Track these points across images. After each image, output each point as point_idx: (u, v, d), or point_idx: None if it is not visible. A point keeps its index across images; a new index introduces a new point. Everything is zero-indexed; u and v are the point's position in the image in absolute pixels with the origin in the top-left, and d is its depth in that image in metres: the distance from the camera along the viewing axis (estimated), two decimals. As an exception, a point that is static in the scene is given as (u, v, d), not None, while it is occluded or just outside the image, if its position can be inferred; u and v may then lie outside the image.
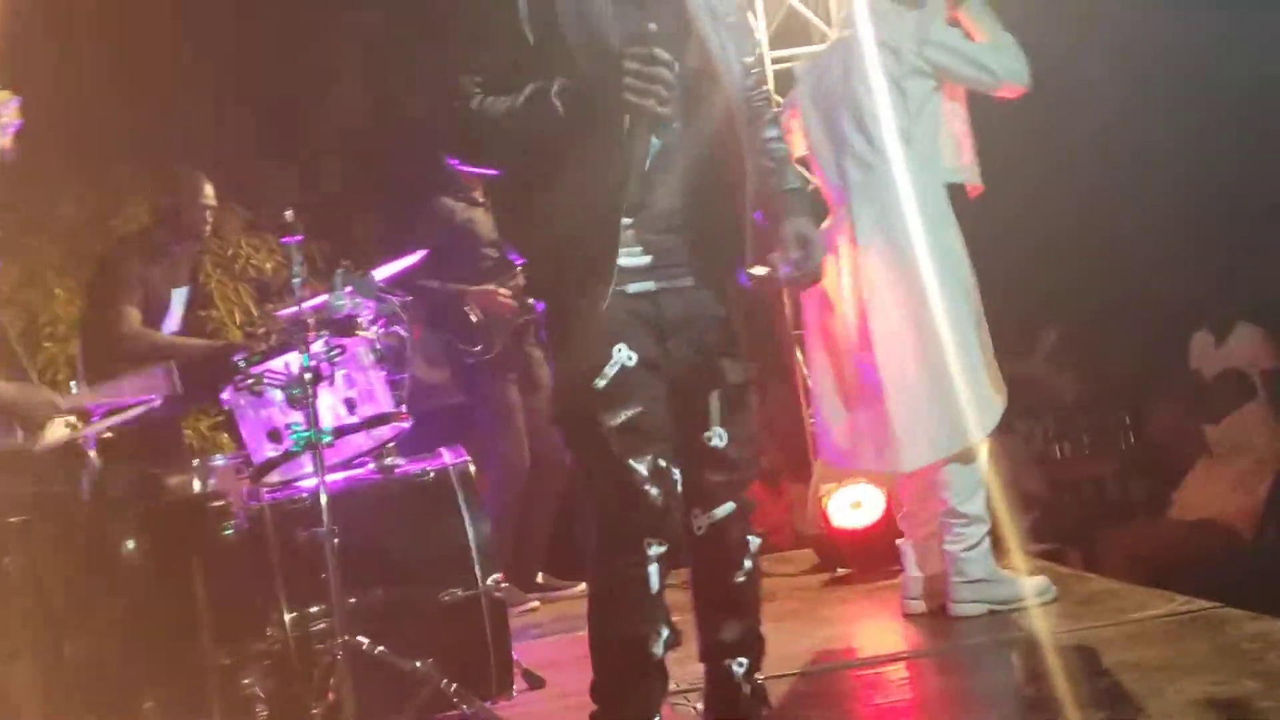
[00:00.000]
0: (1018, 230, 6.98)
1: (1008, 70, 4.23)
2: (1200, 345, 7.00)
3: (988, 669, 3.80)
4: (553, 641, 4.83)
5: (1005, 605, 4.14)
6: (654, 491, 2.75)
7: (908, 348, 4.12)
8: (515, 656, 4.39)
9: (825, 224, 4.29)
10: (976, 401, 4.15)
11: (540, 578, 5.92)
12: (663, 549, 2.77)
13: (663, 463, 2.78)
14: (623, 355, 2.75)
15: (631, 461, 2.72)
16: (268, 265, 7.30)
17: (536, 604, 5.64)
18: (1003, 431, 7.43)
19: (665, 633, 2.81)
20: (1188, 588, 5.47)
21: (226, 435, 6.55)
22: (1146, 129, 7.77)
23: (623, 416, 2.72)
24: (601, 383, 2.73)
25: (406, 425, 3.82)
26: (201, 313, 6.41)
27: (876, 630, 4.50)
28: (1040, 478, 7.52)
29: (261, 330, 7.08)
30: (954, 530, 4.19)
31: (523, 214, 2.82)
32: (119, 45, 6.76)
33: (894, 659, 3.91)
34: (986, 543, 4.22)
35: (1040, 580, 4.24)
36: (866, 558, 5.13)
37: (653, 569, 2.75)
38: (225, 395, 3.72)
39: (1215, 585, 5.78)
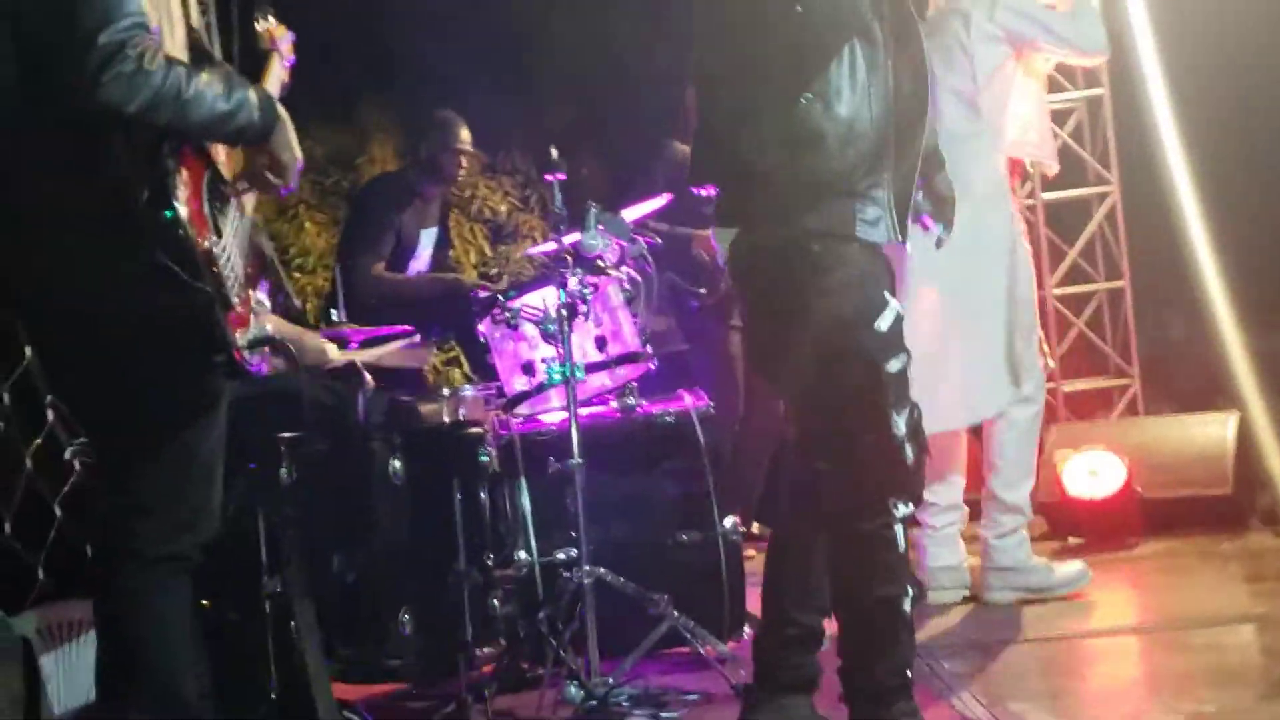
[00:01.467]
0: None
1: (1084, 37, 4.10)
2: None
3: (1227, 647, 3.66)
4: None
5: (1036, 592, 4.11)
6: (910, 449, 2.75)
7: (924, 318, 3.96)
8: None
9: None
10: (974, 384, 4.07)
11: (755, 528, 5.95)
12: (909, 510, 2.78)
13: (918, 416, 2.78)
14: (894, 303, 2.74)
15: (895, 414, 2.71)
16: (501, 207, 7.47)
17: (752, 553, 5.67)
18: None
19: (912, 590, 2.82)
20: None
21: (458, 371, 6.75)
22: None
23: (897, 364, 2.72)
24: (883, 326, 2.71)
25: (652, 365, 3.86)
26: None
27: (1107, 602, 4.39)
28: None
29: (494, 271, 7.30)
30: (991, 515, 4.15)
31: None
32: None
33: (1121, 631, 3.89)
34: (1022, 533, 4.17)
35: (1075, 565, 4.18)
36: (1101, 528, 4.99)
37: (899, 528, 2.76)
38: (482, 327, 3.83)
39: None
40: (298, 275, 6.81)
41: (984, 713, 3.13)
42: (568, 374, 3.53)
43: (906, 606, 2.79)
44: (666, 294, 5.88)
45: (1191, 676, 3.33)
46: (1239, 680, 3.26)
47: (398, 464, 3.47)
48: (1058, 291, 6.08)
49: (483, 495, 3.57)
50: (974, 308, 4.10)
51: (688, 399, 3.99)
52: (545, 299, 3.62)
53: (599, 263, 3.78)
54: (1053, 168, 4.71)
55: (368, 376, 3.64)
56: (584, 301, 3.59)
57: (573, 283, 3.58)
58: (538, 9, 7.29)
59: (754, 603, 4.41)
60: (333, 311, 4.25)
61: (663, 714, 3.40)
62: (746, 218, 2.83)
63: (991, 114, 4.09)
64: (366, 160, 7.27)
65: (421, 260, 5.44)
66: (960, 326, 4.10)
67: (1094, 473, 5.07)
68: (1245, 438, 5.13)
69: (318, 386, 3.40)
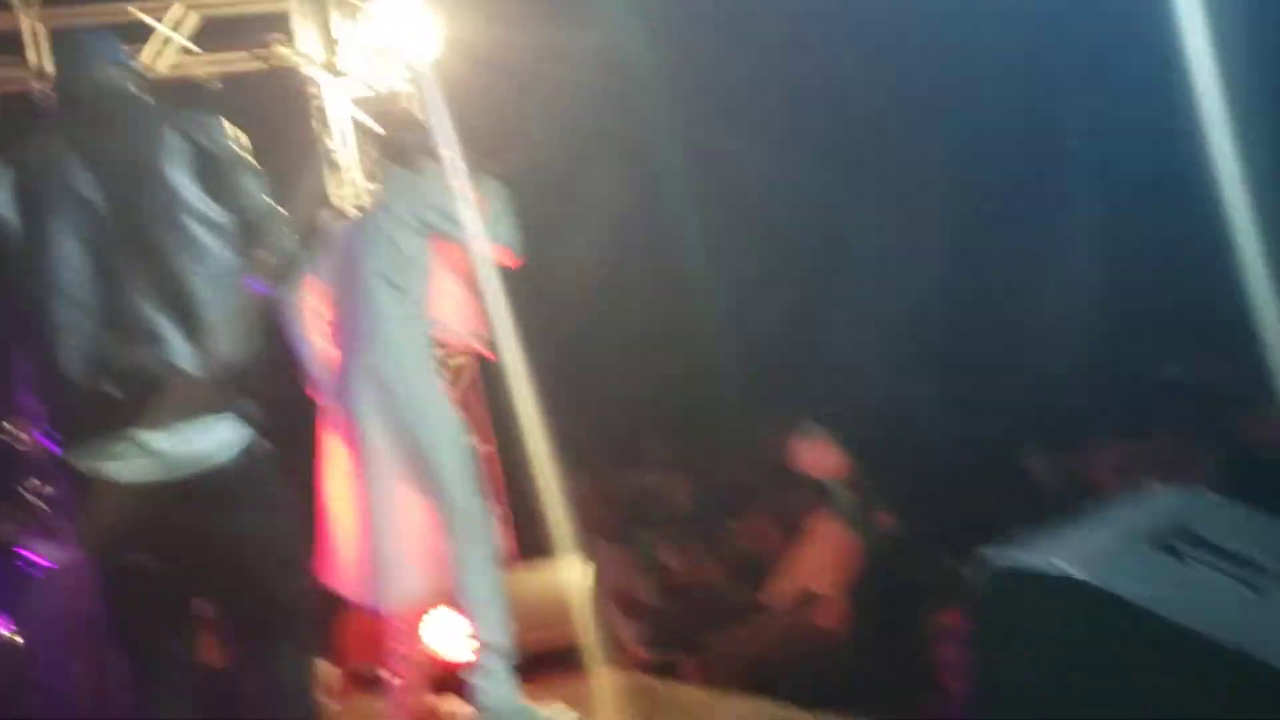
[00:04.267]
0: (620, 348, 7.22)
1: (499, 239, 4.44)
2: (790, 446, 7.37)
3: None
4: None
5: None
6: None
7: (386, 486, 4.21)
8: None
9: None
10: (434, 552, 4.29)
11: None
12: None
13: None
14: None
15: None
16: None
17: None
18: (616, 541, 7.67)
19: None
20: (790, 687, 5.70)
21: None
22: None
23: None
24: None
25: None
26: None
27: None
28: (652, 586, 7.69)
29: None
30: (477, 659, 4.27)
31: None
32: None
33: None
34: (510, 674, 4.31)
35: (560, 709, 4.39)
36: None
37: None
38: None
39: (817, 684, 6.11)
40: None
41: None
42: None
43: None
44: None
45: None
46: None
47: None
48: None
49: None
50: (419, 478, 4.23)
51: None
52: None
53: None
54: (485, 350, 4.85)
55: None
56: None
57: None
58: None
59: None
60: None
61: None
62: None
63: (413, 293, 4.28)
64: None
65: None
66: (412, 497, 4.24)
67: (457, 630, 5.11)
68: (598, 575, 5.43)
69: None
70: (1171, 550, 2.15)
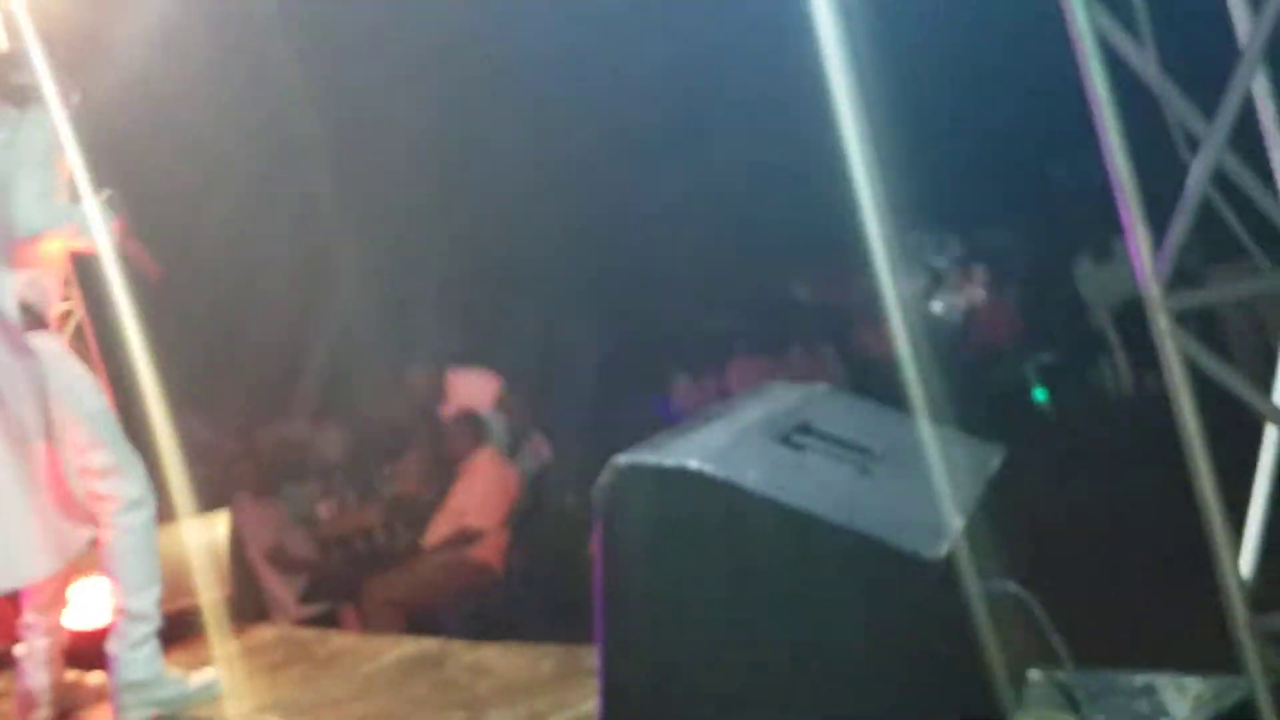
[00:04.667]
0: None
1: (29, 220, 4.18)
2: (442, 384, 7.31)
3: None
4: None
5: (170, 705, 4.03)
6: None
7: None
8: None
9: None
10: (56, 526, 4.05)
11: None
12: None
13: None
14: None
15: None
16: None
17: None
18: (267, 497, 7.41)
19: None
20: (453, 624, 5.67)
21: None
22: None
23: None
24: None
25: None
26: None
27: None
28: (308, 540, 7.49)
29: None
30: (119, 627, 4.05)
31: None
32: None
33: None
34: (154, 642, 4.08)
35: (208, 673, 4.21)
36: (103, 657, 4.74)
37: None
38: None
39: (479, 619, 6.12)
40: None
41: None
42: None
43: None
44: None
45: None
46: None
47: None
48: None
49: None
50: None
51: None
52: None
53: None
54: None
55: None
56: None
57: None
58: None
59: None
60: None
61: None
62: None
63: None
64: None
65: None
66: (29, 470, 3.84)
67: (87, 603, 4.82)
68: (237, 531, 5.22)
69: None
70: (787, 441, 2.22)
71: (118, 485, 4.02)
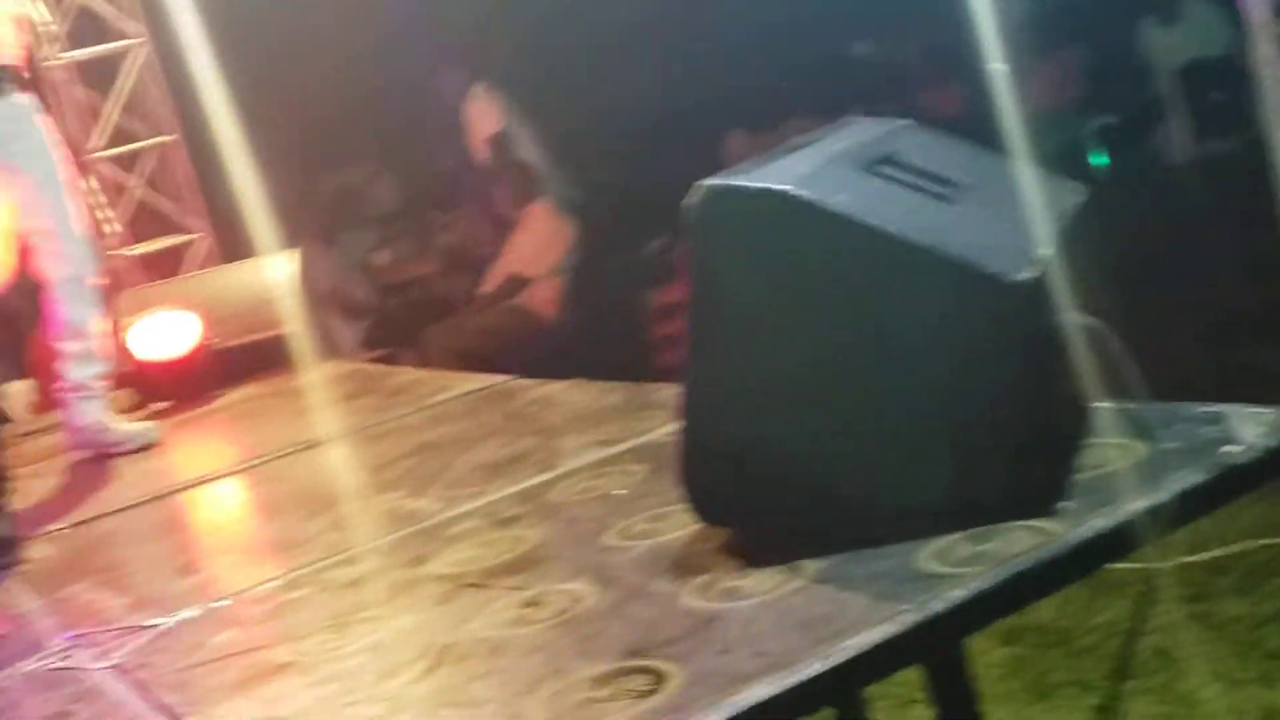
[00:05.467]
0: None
1: None
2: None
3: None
4: None
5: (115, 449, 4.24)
6: None
7: None
8: None
9: None
10: None
11: None
12: None
13: None
14: None
15: None
16: None
17: None
18: (325, 244, 7.52)
19: None
20: (503, 367, 5.81)
21: None
22: None
23: None
24: None
25: None
26: None
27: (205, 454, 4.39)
28: (368, 285, 7.63)
29: None
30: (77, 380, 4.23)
31: None
32: None
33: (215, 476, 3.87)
34: (99, 388, 4.28)
35: (144, 423, 4.43)
36: (182, 387, 4.93)
37: None
38: None
39: (524, 362, 6.26)
40: None
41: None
42: None
43: None
44: None
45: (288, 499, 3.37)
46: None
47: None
48: (105, 154, 5.81)
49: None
50: None
51: None
52: None
53: None
54: None
55: None
56: None
57: None
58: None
59: None
60: None
61: None
62: None
63: None
64: None
65: None
66: None
67: (166, 333, 4.97)
68: (305, 272, 5.31)
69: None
70: (873, 170, 2.24)
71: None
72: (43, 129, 4.16)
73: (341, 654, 2.24)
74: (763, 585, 2.05)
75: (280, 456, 3.81)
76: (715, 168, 2.26)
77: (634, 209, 6.82)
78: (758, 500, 2.16)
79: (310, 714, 2.05)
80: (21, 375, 5.47)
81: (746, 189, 2.07)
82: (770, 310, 2.13)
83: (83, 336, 4.19)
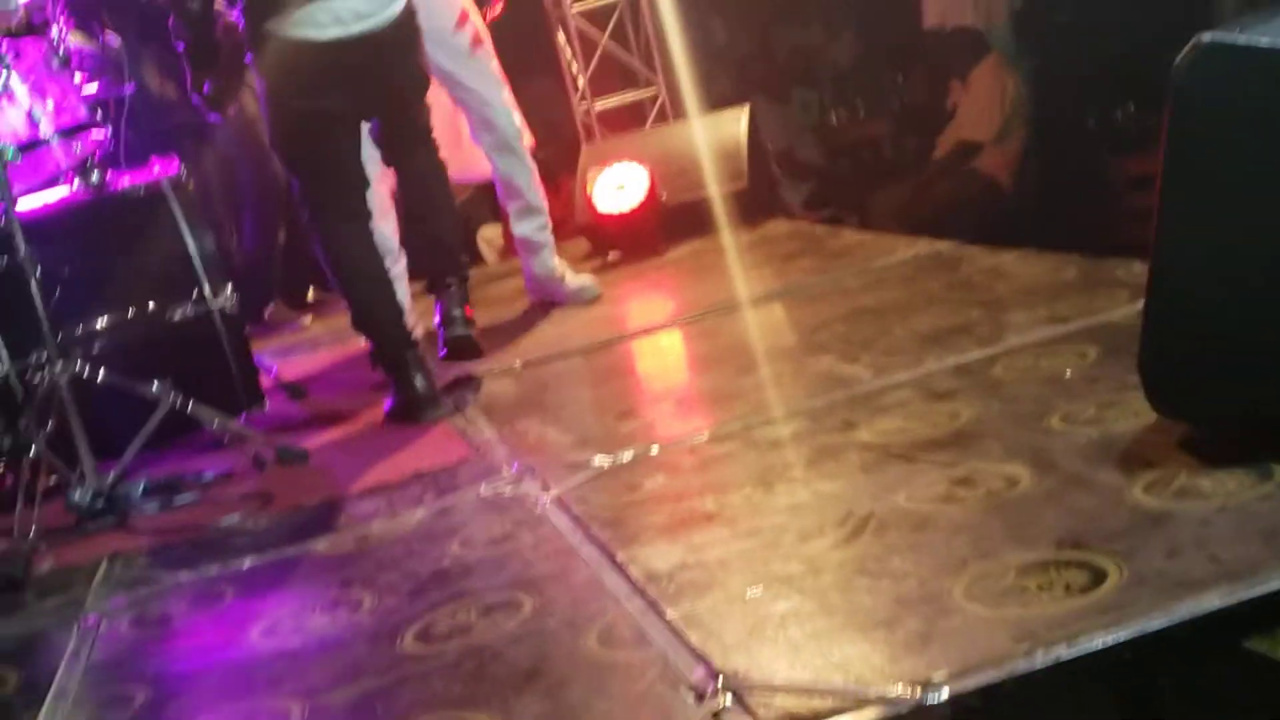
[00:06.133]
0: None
1: None
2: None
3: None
4: (324, 354, 4.72)
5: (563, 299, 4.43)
6: None
7: None
8: (275, 370, 4.33)
9: None
10: None
11: (311, 294, 5.79)
12: None
13: None
14: None
15: None
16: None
17: (309, 320, 5.52)
18: (779, 101, 7.48)
19: None
20: (950, 233, 5.60)
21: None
22: None
23: None
24: None
25: (103, 137, 3.53)
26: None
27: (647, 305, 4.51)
28: (817, 145, 7.55)
29: None
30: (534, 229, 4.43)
31: None
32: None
33: (657, 328, 3.95)
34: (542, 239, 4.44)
35: (585, 278, 4.51)
36: (633, 239, 5.07)
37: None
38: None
39: (975, 227, 6.00)
40: None
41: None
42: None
43: None
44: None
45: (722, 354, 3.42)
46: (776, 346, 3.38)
47: None
48: (579, 8, 5.99)
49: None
50: None
51: (158, 168, 3.69)
52: (-48, 76, 3.21)
53: (30, 22, 3.37)
54: None
55: None
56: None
57: (-16, 51, 3.18)
58: None
59: (301, 369, 4.37)
60: None
61: (176, 498, 3.26)
62: None
63: None
64: None
65: None
66: None
67: (621, 186, 5.12)
68: (755, 130, 5.30)
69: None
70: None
71: None
72: None
73: (764, 510, 2.24)
74: (1224, 487, 1.86)
75: (718, 311, 3.85)
76: (1205, 25, 2.00)
77: (1103, 69, 6.31)
78: (1228, 395, 1.95)
79: (731, 564, 2.06)
80: (496, 218, 5.78)
81: (1249, 47, 1.82)
82: (1263, 184, 1.89)
83: (518, 194, 4.36)
